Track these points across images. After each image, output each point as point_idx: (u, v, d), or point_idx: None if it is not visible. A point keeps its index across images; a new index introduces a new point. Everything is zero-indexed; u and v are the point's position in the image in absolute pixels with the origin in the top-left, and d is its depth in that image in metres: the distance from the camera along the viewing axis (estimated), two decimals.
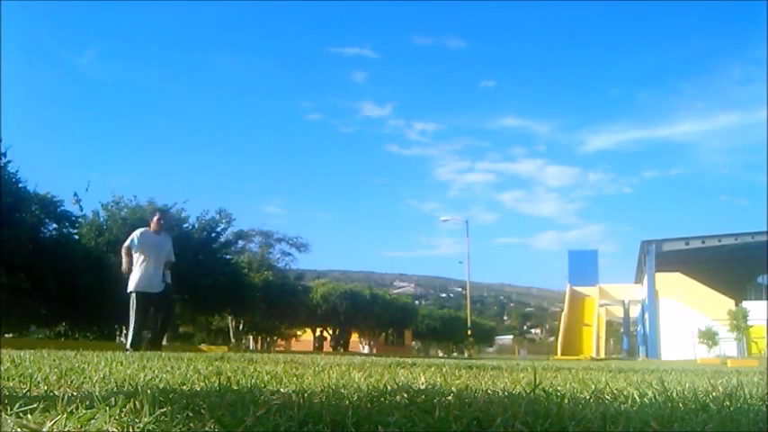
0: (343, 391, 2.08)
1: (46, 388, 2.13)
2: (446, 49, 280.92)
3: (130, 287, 7.75)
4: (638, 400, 1.91)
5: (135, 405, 1.41)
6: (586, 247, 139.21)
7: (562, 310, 42.37)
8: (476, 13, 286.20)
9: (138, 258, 7.83)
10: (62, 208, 17.85)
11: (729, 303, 27.40)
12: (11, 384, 2.21)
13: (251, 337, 37.81)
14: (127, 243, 7.96)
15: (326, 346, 37.57)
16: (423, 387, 2.30)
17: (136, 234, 7.97)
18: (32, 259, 15.42)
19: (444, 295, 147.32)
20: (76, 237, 18.59)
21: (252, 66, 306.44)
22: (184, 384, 2.33)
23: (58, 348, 6.25)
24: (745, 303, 25.82)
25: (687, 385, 2.85)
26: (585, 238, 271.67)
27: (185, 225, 21.34)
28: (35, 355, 4.53)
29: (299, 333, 40.22)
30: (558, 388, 2.47)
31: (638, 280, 43.71)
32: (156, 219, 8.12)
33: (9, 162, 15.47)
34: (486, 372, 4.06)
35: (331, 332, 39.56)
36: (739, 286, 39.11)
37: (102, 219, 19.87)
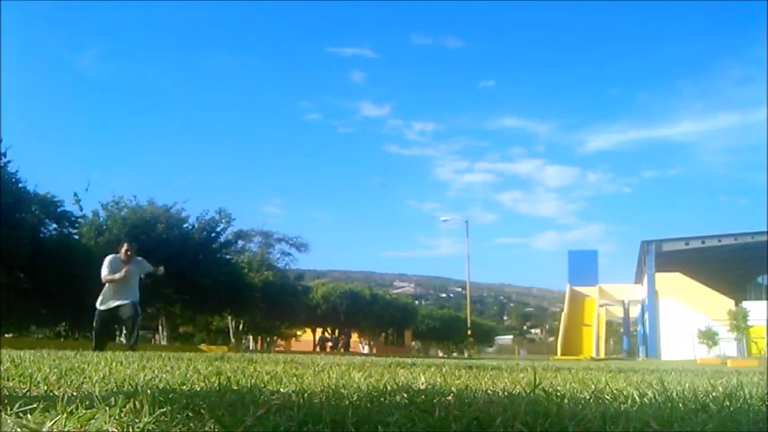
0: (342, 391, 2.08)
1: (46, 388, 2.13)
2: (445, 49, 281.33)
3: (97, 303, 8.68)
4: (638, 400, 1.91)
5: (135, 405, 1.41)
6: (586, 247, 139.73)
7: (562, 310, 42.38)
8: (475, 13, 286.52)
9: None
10: (62, 208, 17.82)
11: (729, 303, 27.43)
12: (11, 384, 2.21)
13: (251, 337, 37.77)
14: (105, 272, 8.68)
15: (327, 347, 37.55)
16: (423, 387, 2.30)
17: (108, 260, 8.76)
18: (32, 259, 15.40)
19: (444, 295, 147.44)
20: (76, 237, 18.56)
21: (251, 66, 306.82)
22: (184, 384, 2.33)
23: (58, 348, 6.27)
24: (745, 303, 25.85)
25: (687, 385, 2.85)
26: (585, 238, 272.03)
27: (185, 225, 21.34)
28: (35, 355, 4.53)
29: (298, 333, 40.20)
30: (558, 388, 2.47)
31: (638, 280, 43.72)
32: (123, 250, 8.87)
33: (9, 162, 15.46)
34: (486, 372, 4.06)
35: (331, 332, 39.55)
36: (739, 286, 39.19)
37: (102, 219, 19.86)
